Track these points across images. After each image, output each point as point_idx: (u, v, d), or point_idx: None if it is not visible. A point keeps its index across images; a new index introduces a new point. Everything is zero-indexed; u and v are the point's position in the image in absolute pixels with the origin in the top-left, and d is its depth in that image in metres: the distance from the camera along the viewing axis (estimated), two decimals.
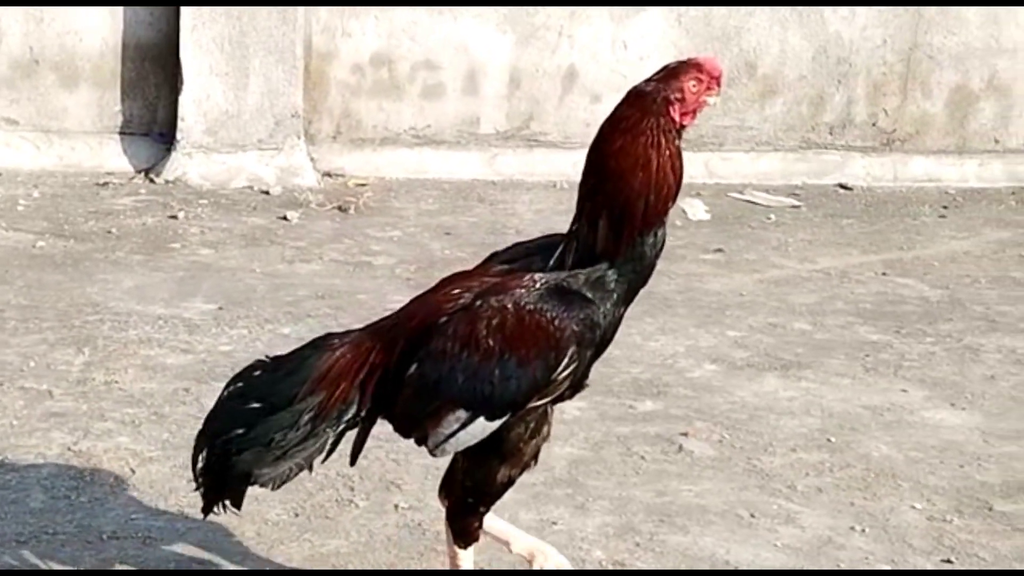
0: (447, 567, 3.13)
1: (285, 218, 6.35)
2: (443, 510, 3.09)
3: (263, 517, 3.64)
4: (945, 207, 7.05)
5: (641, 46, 7.10)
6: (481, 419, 2.86)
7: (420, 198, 6.78)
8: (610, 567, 3.53)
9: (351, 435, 2.99)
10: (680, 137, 2.86)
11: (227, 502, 2.96)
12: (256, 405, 2.89)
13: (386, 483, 3.87)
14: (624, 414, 4.45)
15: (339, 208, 6.54)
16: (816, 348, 5.10)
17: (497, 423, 2.87)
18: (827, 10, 7.21)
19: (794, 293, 5.70)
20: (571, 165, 7.17)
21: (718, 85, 2.89)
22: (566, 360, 2.84)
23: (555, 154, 7.14)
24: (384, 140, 7.11)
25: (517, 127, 7.18)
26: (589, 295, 2.83)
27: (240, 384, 2.95)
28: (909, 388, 4.77)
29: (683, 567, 3.55)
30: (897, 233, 6.61)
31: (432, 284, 3.05)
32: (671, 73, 2.87)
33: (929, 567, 3.61)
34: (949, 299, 5.70)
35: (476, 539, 3.05)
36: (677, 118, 2.85)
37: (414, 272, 5.72)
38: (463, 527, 3.03)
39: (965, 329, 5.36)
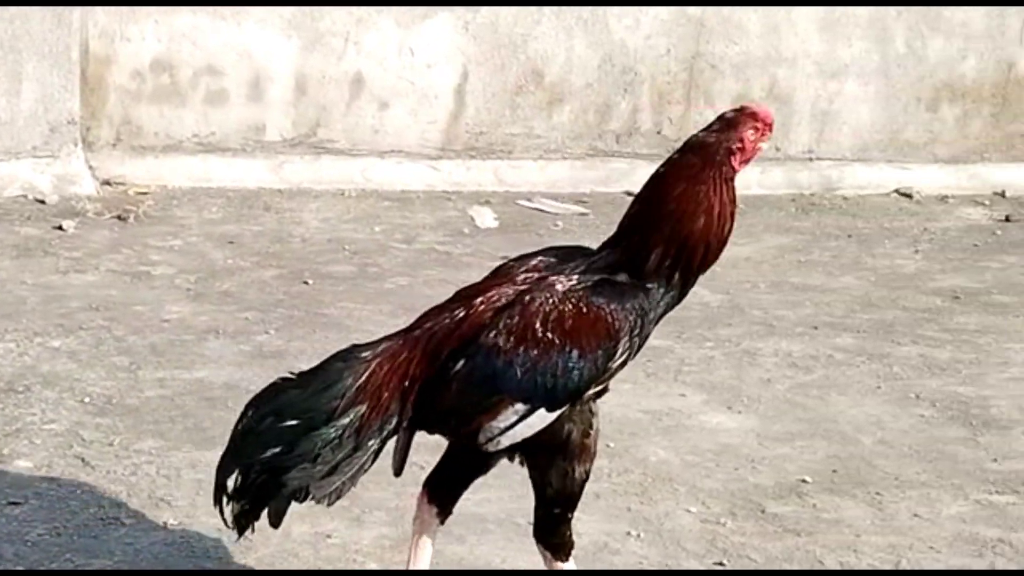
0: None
1: (61, 228, 6.15)
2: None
3: (23, 538, 3.50)
4: None
5: (429, 53, 7.07)
6: (541, 411, 2.92)
7: (204, 207, 6.64)
8: None
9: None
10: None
11: (269, 518, 2.94)
12: (293, 423, 2.89)
13: (155, 500, 3.76)
14: None
15: (118, 217, 6.36)
16: None
17: (555, 414, 2.93)
18: (612, 19, 7.29)
19: None
20: (359, 172, 7.12)
21: (770, 132, 3.05)
22: (621, 348, 2.94)
23: (343, 161, 7.07)
24: (166, 147, 6.94)
25: (304, 134, 7.08)
26: (639, 286, 2.96)
27: (270, 404, 2.93)
28: (688, 392, 4.83)
29: None
30: None
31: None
32: (730, 123, 3.03)
33: (702, 569, 3.64)
34: (729, 304, 5.78)
35: (573, 546, 3.12)
36: (737, 167, 3.03)
37: (194, 282, 5.60)
38: (560, 539, 3.10)
39: (744, 334, 5.44)
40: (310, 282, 5.70)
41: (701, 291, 5.91)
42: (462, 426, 2.97)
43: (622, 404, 4.63)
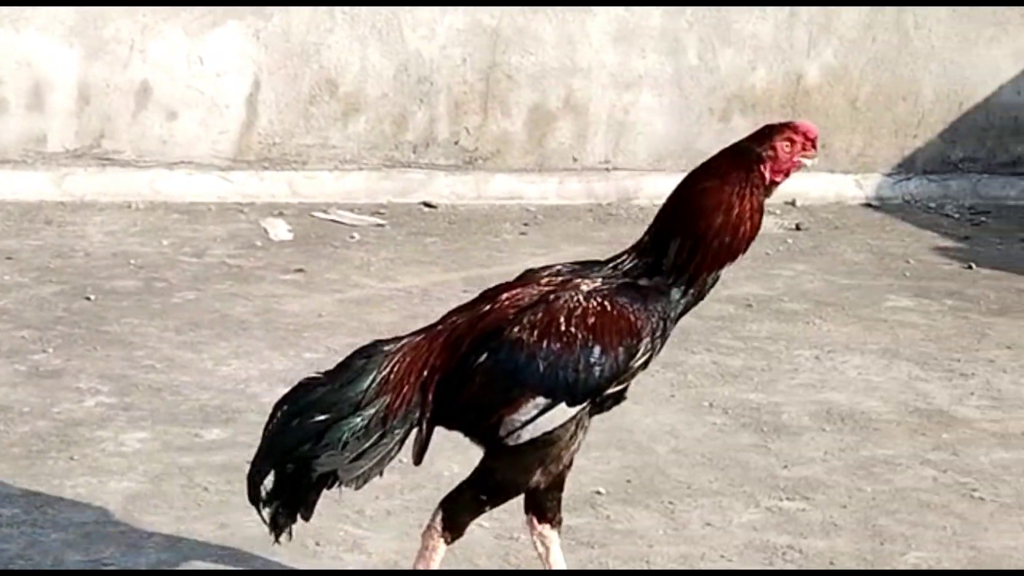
0: (415, 562, 3.19)
1: None
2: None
3: None
4: (526, 224, 7.14)
5: (218, 61, 6.90)
6: (562, 405, 2.98)
7: None
8: None
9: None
10: (768, 194, 3.10)
11: (300, 511, 3.04)
12: (322, 417, 2.98)
13: None
14: (190, 443, 4.25)
15: None
16: None
17: (577, 409, 3.00)
18: (407, 28, 7.20)
19: (375, 313, 5.62)
20: (147, 184, 6.90)
21: (813, 147, 3.10)
22: (643, 348, 3.02)
23: (129, 173, 6.85)
24: None
25: (88, 145, 6.84)
26: (662, 290, 3.05)
27: (298, 403, 3.02)
28: None
29: None
30: (479, 250, 6.65)
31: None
32: (767, 133, 3.10)
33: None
34: None
35: (460, 536, 3.16)
36: (767, 175, 3.07)
37: None
38: (459, 521, 3.13)
39: None
40: (92, 298, 5.49)
41: None
42: (483, 419, 3.02)
43: None
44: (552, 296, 3.03)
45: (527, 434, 3.01)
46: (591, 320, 2.99)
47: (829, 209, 7.66)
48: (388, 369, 3.03)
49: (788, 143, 3.08)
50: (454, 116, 7.41)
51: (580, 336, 2.98)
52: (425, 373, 3.03)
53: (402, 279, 6.10)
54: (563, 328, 2.98)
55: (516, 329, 3.00)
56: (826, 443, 4.54)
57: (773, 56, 7.67)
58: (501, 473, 3.09)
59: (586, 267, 3.14)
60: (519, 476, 3.09)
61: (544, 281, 3.10)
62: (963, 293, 6.21)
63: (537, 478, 3.10)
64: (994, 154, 8.00)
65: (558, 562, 3.25)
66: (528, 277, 3.16)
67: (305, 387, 3.07)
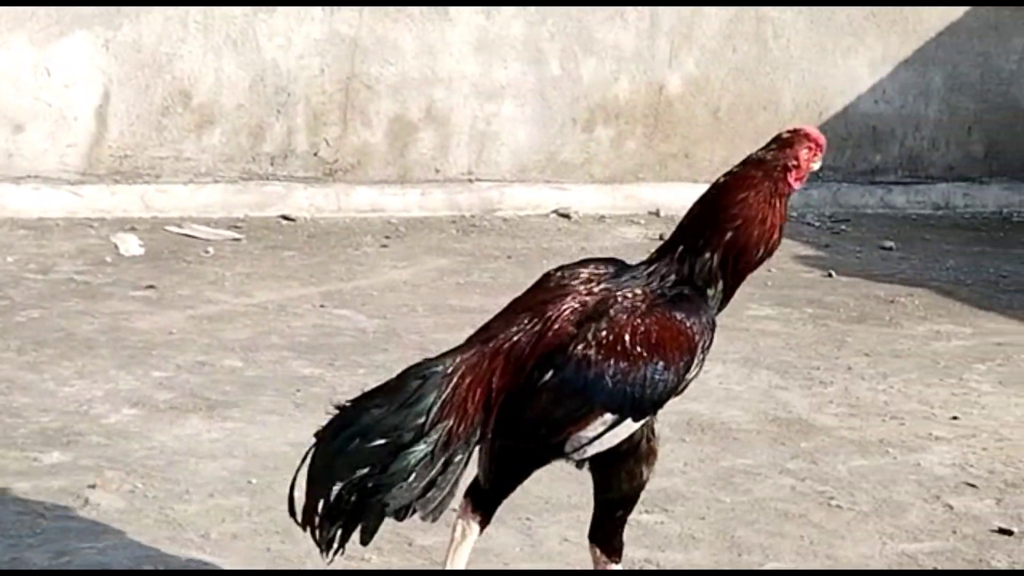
0: None
1: None
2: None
3: None
4: (387, 237, 7.03)
5: (66, 72, 6.69)
6: (628, 420, 3.03)
7: None
8: None
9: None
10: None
11: (361, 536, 2.99)
12: (382, 442, 2.93)
13: None
14: (27, 468, 4.07)
15: None
16: (246, 386, 4.88)
17: (641, 423, 3.06)
18: (263, 38, 7.06)
19: (228, 329, 5.47)
20: None
21: (822, 152, 3.19)
22: (696, 360, 3.10)
23: None
24: None
25: None
26: (706, 301, 3.13)
27: (353, 425, 2.95)
28: None
29: None
30: (339, 264, 6.52)
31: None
32: (787, 143, 3.16)
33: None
34: (386, 329, 5.63)
35: (623, 546, 3.23)
36: (793, 183, 3.14)
37: None
38: (618, 543, 3.20)
39: (399, 359, 5.26)
40: None
41: (357, 316, 5.78)
42: (551, 436, 3.04)
43: (268, 438, 4.42)
44: (612, 311, 3.06)
45: (592, 450, 3.06)
46: (654, 337, 3.05)
47: None
48: (449, 391, 2.99)
49: (807, 151, 3.16)
50: (313, 127, 7.29)
51: (645, 353, 3.04)
52: (490, 395, 3.01)
53: (257, 294, 5.95)
54: (628, 345, 3.03)
55: (582, 347, 3.02)
56: (686, 454, 4.49)
57: (635, 66, 7.66)
58: (618, 490, 3.15)
59: (621, 271, 3.16)
60: (634, 483, 3.16)
61: (582, 289, 3.12)
62: (823, 301, 6.22)
63: (648, 475, 3.18)
64: (853, 163, 8.07)
65: (461, 560, 3.24)
66: (555, 284, 3.15)
67: (358, 408, 3.00)
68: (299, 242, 6.83)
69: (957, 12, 8.09)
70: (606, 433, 3.04)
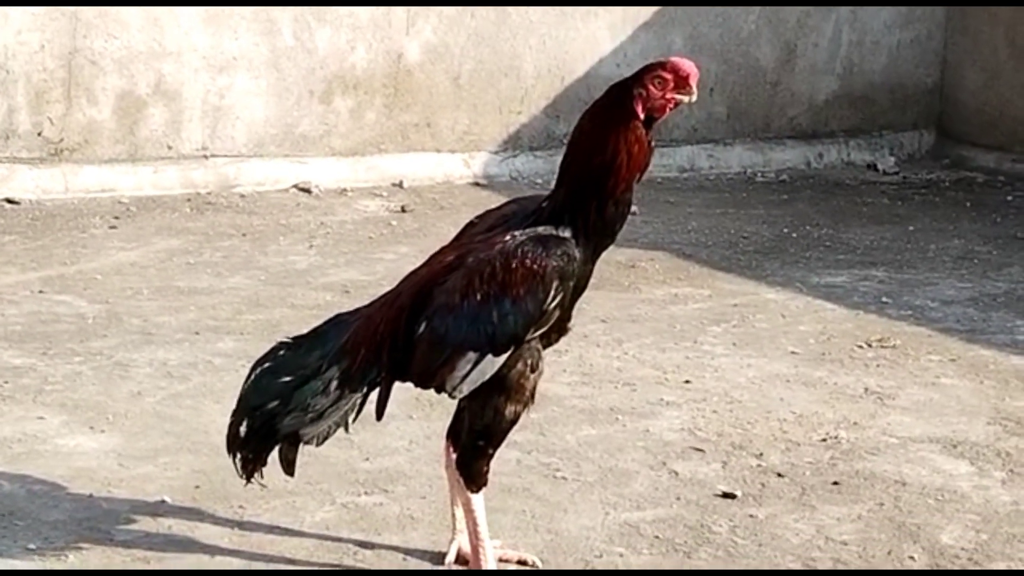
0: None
1: None
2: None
3: None
4: (117, 218, 6.74)
5: None
6: (489, 356, 3.24)
7: None
8: None
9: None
10: (648, 128, 3.22)
11: (281, 466, 3.39)
12: (287, 379, 3.34)
13: None
14: None
15: None
16: None
17: (503, 357, 3.25)
18: None
19: None
20: None
21: (684, 84, 3.21)
22: (552, 292, 3.23)
23: None
24: None
25: None
26: (562, 236, 3.24)
27: (268, 364, 3.39)
28: (48, 414, 4.39)
29: None
30: (62, 248, 6.22)
31: None
32: (641, 71, 3.24)
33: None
34: (107, 314, 5.37)
35: (486, 483, 3.38)
36: (639, 111, 3.19)
37: None
38: (475, 471, 3.35)
39: (118, 345, 5.05)
40: None
41: (77, 301, 5.51)
42: (430, 381, 3.32)
43: None
44: (470, 259, 3.27)
45: (467, 387, 3.28)
46: (500, 276, 3.22)
47: (436, 189, 7.55)
48: (346, 338, 3.34)
49: (659, 79, 3.20)
50: (35, 106, 6.95)
51: (492, 293, 3.22)
52: (378, 341, 3.32)
53: None
54: (477, 287, 3.23)
55: (444, 296, 3.27)
56: (412, 431, 4.37)
57: (372, 35, 7.49)
58: (479, 420, 3.32)
59: (517, 214, 3.32)
60: (495, 416, 3.31)
61: (479, 238, 3.32)
62: None
63: (512, 410, 3.32)
64: None
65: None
66: (466, 231, 3.41)
67: (276, 350, 3.41)
68: (22, 226, 6.51)
69: None
70: (473, 370, 3.26)
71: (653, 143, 3.28)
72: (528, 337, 3.28)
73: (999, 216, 7.61)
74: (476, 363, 3.26)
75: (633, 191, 3.30)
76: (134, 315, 5.38)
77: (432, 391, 3.37)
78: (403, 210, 7.08)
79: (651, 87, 3.21)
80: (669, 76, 3.22)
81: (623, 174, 3.22)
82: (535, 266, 3.22)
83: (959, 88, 8.90)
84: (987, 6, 8.66)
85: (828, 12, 8.50)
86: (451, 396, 3.33)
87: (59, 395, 4.55)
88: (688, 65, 3.25)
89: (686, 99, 3.25)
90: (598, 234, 3.29)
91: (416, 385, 3.39)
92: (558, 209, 3.28)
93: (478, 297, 3.24)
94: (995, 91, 8.69)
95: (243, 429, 3.38)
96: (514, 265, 3.23)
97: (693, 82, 3.24)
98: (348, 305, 5.52)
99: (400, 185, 7.47)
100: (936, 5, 8.75)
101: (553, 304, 3.26)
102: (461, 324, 3.25)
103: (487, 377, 3.28)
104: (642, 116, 3.21)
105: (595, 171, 3.22)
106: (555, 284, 3.23)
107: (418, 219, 6.97)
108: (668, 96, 3.23)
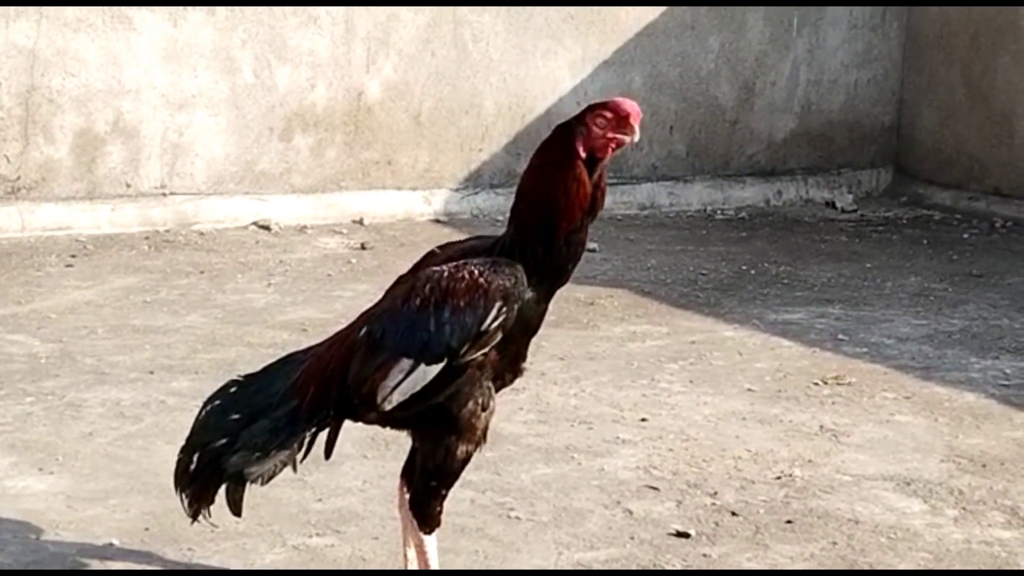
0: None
1: None
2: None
3: None
4: (73, 256, 6.71)
5: None
6: (422, 366, 3.18)
7: None
8: None
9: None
10: (590, 167, 3.18)
11: (228, 505, 3.37)
12: (236, 416, 3.32)
13: None
14: None
15: None
16: None
17: (436, 368, 3.18)
18: None
19: None
20: None
21: (626, 125, 3.19)
22: (495, 311, 3.16)
23: None
24: None
25: None
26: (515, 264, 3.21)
27: (218, 401, 3.38)
28: None
29: None
30: (17, 286, 6.18)
31: None
32: (585, 111, 3.22)
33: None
34: (60, 353, 5.34)
35: (439, 523, 3.34)
36: (581, 150, 3.17)
37: None
38: (428, 512, 3.32)
39: (71, 384, 5.01)
40: None
41: (31, 341, 5.47)
42: (361, 388, 3.23)
43: None
44: (420, 274, 3.25)
45: (396, 396, 3.20)
46: (444, 284, 3.19)
47: (397, 227, 7.55)
48: (296, 376, 3.32)
49: (602, 120, 3.19)
50: None
51: (433, 299, 3.18)
52: (326, 377, 3.29)
53: None
54: (419, 294, 3.20)
55: (386, 301, 3.28)
56: (367, 471, 4.34)
57: (332, 72, 7.50)
58: (431, 460, 3.28)
59: (476, 250, 3.29)
60: (447, 456, 3.27)
61: (436, 264, 3.29)
62: None
63: (464, 449, 3.28)
64: None
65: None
66: (427, 260, 3.35)
67: (228, 387, 3.40)
68: None
69: (654, 12, 8.17)
70: (405, 380, 3.19)
71: (603, 183, 3.26)
72: (463, 353, 3.19)
73: (955, 253, 7.66)
74: (409, 372, 3.19)
75: (586, 230, 3.27)
76: (88, 354, 5.35)
77: (355, 411, 3.29)
78: (363, 247, 7.06)
79: (593, 127, 3.19)
80: (610, 116, 3.19)
81: (565, 214, 3.19)
82: (481, 279, 3.18)
83: (916, 127, 8.97)
84: (941, 46, 8.74)
85: (786, 51, 8.56)
86: (380, 408, 3.23)
87: (9, 436, 4.51)
88: (630, 105, 3.22)
89: (628, 139, 3.22)
90: (550, 272, 3.25)
91: (352, 396, 3.29)
92: (508, 246, 3.26)
93: (418, 302, 3.19)
94: (951, 129, 8.77)
95: (191, 466, 3.36)
96: (461, 275, 3.20)
97: (635, 122, 3.21)
98: (305, 343, 5.52)
99: (360, 222, 7.46)
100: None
101: (494, 324, 3.18)
102: (399, 328, 3.20)
103: (417, 389, 3.20)
104: (583, 156, 3.18)
105: (537, 210, 3.21)
106: (498, 303, 3.17)
107: (378, 256, 6.96)
108: (610, 136, 3.19)
